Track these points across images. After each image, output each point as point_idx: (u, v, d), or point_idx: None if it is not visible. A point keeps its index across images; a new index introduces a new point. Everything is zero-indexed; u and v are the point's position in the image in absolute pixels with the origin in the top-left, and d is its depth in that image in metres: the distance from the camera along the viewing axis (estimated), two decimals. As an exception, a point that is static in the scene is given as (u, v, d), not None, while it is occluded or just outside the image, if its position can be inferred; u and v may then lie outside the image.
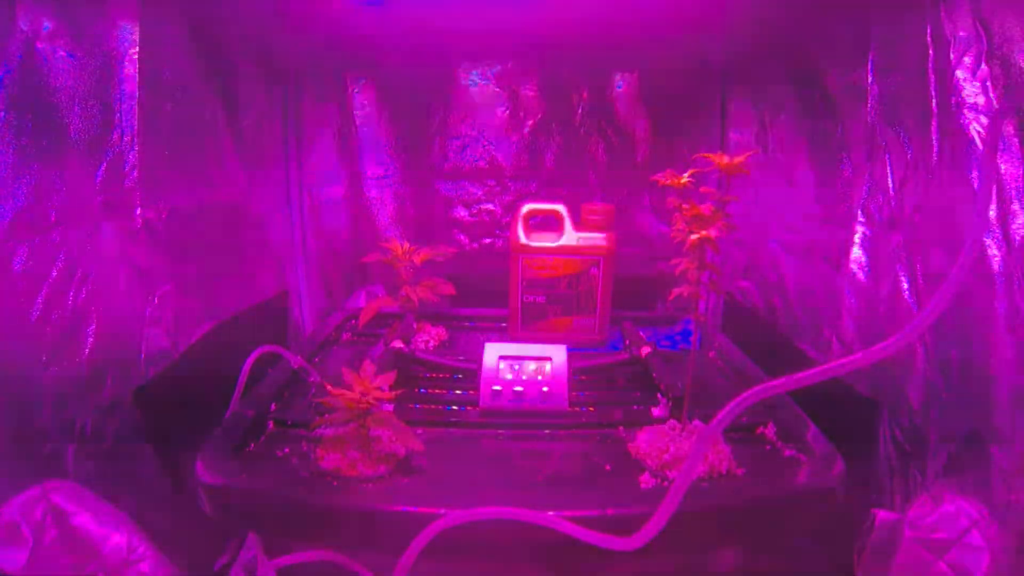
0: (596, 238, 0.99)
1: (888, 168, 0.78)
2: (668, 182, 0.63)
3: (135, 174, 0.78)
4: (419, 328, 1.04)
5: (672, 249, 0.67)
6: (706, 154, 0.64)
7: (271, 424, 0.76)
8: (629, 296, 1.09)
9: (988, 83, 0.62)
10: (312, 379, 0.86)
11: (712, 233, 0.60)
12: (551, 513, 0.56)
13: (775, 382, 0.47)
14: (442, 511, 0.56)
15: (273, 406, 0.79)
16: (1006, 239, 0.60)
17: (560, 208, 1.00)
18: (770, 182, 1.09)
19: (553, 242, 1.00)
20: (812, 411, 0.76)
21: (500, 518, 0.55)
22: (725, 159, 0.63)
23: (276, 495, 0.62)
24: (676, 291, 0.65)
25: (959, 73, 0.65)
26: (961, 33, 0.65)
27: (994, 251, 0.61)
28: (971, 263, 0.40)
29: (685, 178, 0.63)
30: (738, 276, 1.20)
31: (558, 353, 0.82)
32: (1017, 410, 0.58)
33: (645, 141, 1.30)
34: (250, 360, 0.82)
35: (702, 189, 0.63)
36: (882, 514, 0.67)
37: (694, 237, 0.61)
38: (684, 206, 0.63)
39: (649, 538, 0.52)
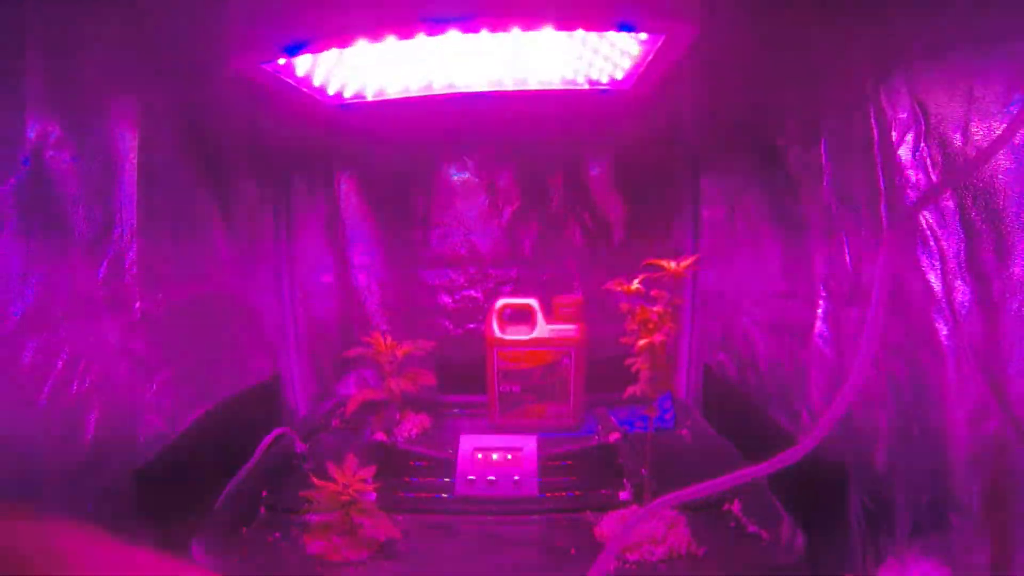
0: (567, 330, 1.03)
1: (845, 245, 0.79)
2: (619, 288, 0.67)
3: (134, 270, 0.81)
4: (403, 417, 1.07)
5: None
6: (655, 260, 0.68)
7: (263, 509, 0.80)
8: (609, 376, 1.10)
9: (928, 161, 0.63)
10: (307, 466, 0.88)
11: (658, 339, 0.64)
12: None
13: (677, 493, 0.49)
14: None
15: (264, 492, 0.82)
16: (952, 313, 0.61)
17: (532, 302, 1.05)
18: (740, 258, 1.11)
19: (526, 335, 1.04)
20: (782, 481, 0.76)
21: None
22: (674, 265, 0.66)
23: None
24: (631, 389, 0.69)
25: (902, 152, 0.66)
26: (901, 115, 0.66)
27: (941, 325, 0.62)
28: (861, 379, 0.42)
29: (636, 284, 0.67)
30: (716, 349, 1.21)
31: (528, 443, 0.87)
32: (972, 477, 0.58)
33: (621, 223, 1.31)
34: (263, 444, 0.86)
35: (653, 292, 0.67)
36: (851, 578, 0.68)
37: (642, 342, 0.65)
38: (635, 310, 0.67)
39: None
